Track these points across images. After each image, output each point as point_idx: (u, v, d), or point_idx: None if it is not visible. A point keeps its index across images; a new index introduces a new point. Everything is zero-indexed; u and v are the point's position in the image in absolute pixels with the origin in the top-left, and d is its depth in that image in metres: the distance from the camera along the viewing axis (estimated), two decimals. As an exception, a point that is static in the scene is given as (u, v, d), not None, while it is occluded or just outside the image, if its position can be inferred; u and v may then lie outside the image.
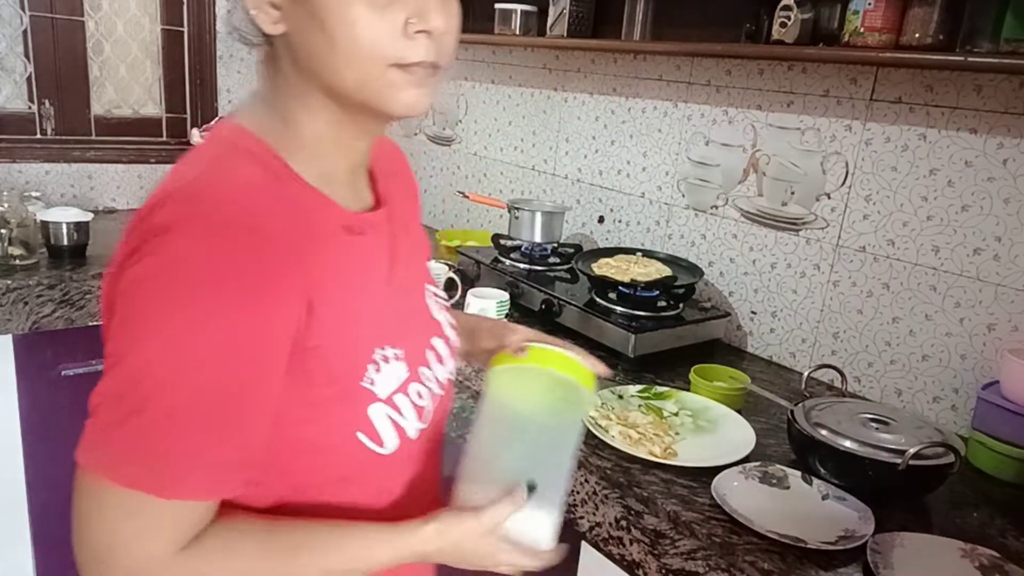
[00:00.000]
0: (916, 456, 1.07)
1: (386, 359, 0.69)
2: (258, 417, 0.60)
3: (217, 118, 0.68)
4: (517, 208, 1.90)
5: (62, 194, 2.31)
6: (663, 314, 1.59)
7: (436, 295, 0.82)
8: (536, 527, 0.74)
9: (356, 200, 0.72)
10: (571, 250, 1.92)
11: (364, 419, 0.67)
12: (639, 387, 1.41)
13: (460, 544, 0.71)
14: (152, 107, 2.50)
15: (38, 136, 2.29)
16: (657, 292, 1.61)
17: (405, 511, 0.72)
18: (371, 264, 0.71)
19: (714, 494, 1.09)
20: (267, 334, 0.58)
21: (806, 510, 1.09)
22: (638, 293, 1.60)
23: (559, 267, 1.87)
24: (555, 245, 1.92)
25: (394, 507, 0.74)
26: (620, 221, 1.97)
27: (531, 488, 0.73)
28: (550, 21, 1.89)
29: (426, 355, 0.75)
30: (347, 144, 0.69)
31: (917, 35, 1.26)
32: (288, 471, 0.66)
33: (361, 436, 0.67)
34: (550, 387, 0.76)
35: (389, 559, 0.68)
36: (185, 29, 2.47)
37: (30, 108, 2.27)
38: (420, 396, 0.72)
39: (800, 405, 1.24)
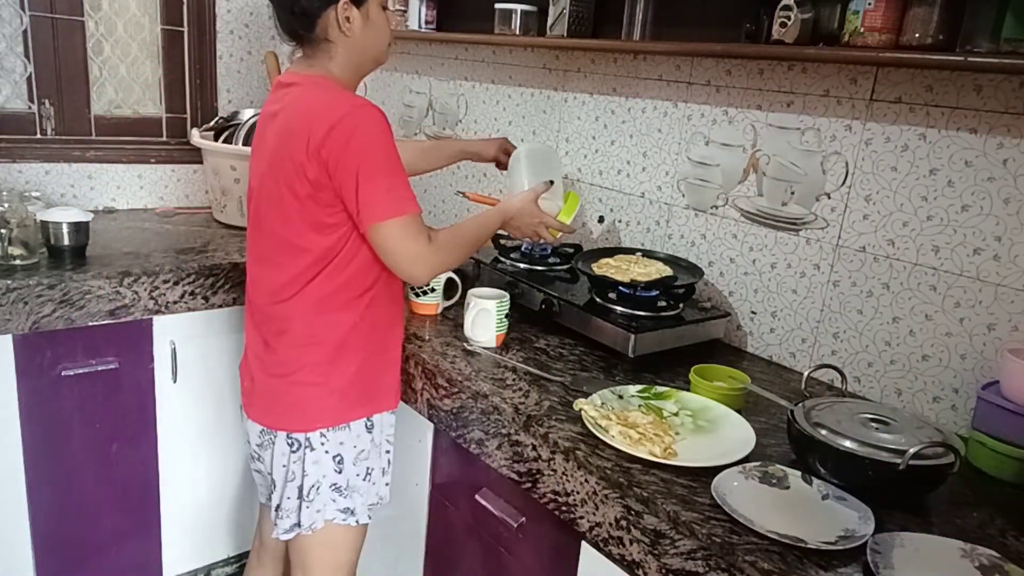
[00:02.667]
0: (916, 456, 1.07)
1: None
2: None
3: (284, 73, 1.46)
4: (517, 208, 1.90)
5: (62, 194, 2.31)
6: (663, 314, 1.59)
7: None
8: (552, 206, 1.64)
9: None
10: (571, 250, 1.92)
11: None
12: (639, 387, 1.41)
13: (522, 208, 1.56)
14: (152, 107, 2.50)
15: (38, 136, 2.29)
16: (657, 292, 1.61)
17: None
18: None
19: (714, 494, 1.09)
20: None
21: (806, 510, 1.09)
22: (638, 293, 1.60)
23: (559, 267, 1.87)
24: (555, 245, 1.92)
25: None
26: (620, 221, 1.97)
27: (550, 183, 1.63)
28: (550, 21, 1.89)
29: None
30: (355, 84, 1.45)
31: (917, 35, 1.26)
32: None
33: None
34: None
35: (497, 223, 1.53)
36: (185, 29, 2.47)
37: (30, 108, 2.27)
38: None
39: (800, 405, 1.24)
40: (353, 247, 1.35)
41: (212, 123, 2.45)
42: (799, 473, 1.16)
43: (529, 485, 1.31)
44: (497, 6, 1.98)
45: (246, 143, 2.26)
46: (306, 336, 1.39)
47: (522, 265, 1.86)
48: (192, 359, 2.02)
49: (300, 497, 1.44)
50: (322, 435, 1.42)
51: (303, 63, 1.40)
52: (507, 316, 1.60)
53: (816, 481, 1.14)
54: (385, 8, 1.40)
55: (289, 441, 1.42)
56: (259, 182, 1.41)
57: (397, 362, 1.52)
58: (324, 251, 1.34)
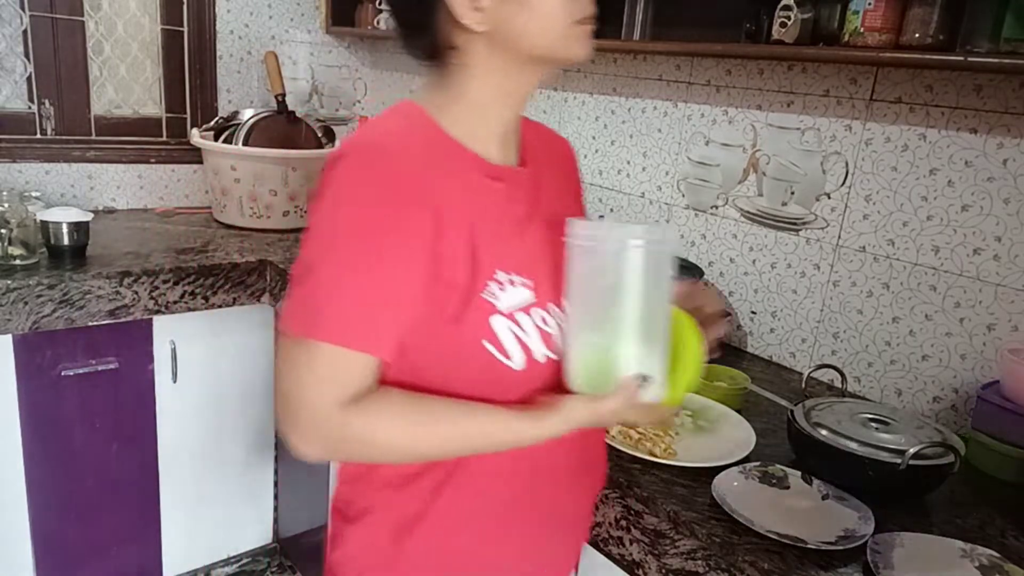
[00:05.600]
0: (916, 456, 1.07)
1: (512, 283, 0.81)
2: (399, 292, 0.76)
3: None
4: (517, 208, 1.90)
5: (62, 194, 2.31)
6: (663, 314, 1.59)
7: None
8: (648, 395, 0.82)
9: (502, 157, 0.88)
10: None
11: (487, 328, 0.79)
12: (639, 387, 1.41)
13: (580, 425, 0.82)
14: (152, 107, 2.50)
15: (38, 136, 2.29)
16: (657, 292, 1.61)
17: None
18: (506, 206, 0.85)
19: (714, 494, 1.09)
20: (401, 229, 0.75)
21: (806, 510, 1.09)
22: (638, 293, 1.60)
23: (559, 267, 1.87)
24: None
25: None
26: (620, 221, 1.97)
27: (644, 378, 0.80)
28: (550, 21, 1.89)
29: (560, 296, 0.86)
30: (499, 112, 0.86)
31: (917, 35, 1.26)
32: (426, 369, 0.81)
33: (487, 344, 0.79)
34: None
35: (514, 442, 0.81)
36: (185, 29, 2.47)
37: (30, 108, 2.27)
38: (546, 323, 0.83)
39: (800, 405, 1.24)
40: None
41: (212, 123, 2.44)
42: (799, 473, 1.16)
43: (529, 485, 1.31)
44: (497, 6, 1.98)
45: (246, 143, 2.26)
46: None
47: (522, 265, 1.86)
48: (192, 359, 2.02)
49: None
50: None
51: (432, 75, 0.88)
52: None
53: (816, 481, 1.14)
54: None
55: None
56: None
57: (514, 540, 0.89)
58: None
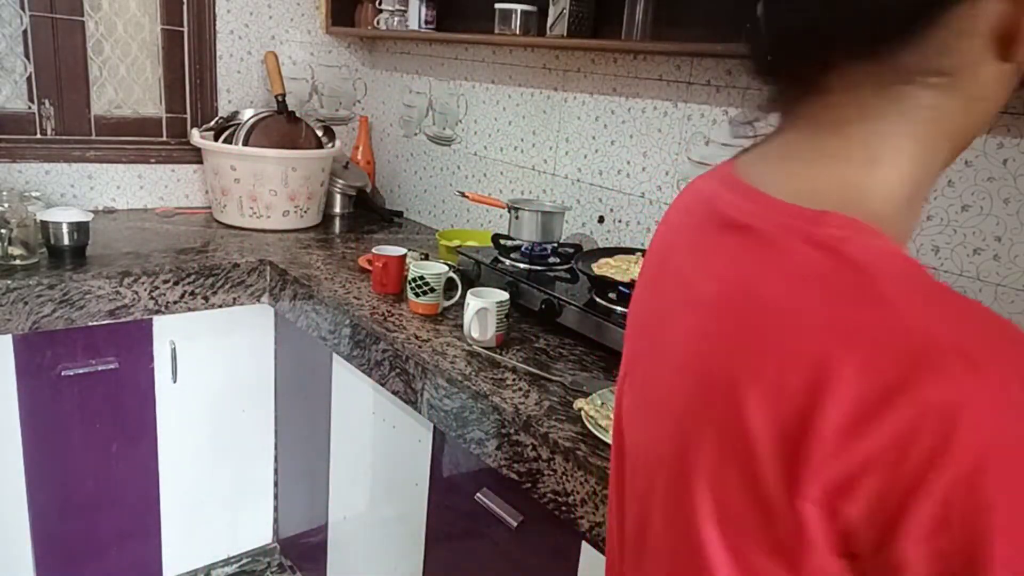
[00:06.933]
0: (916, 456, 1.07)
1: None
2: None
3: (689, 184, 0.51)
4: (517, 208, 1.90)
5: (62, 194, 2.31)
6: (663, 314, 1.59)
7: None
8: None
9: None
10: (571, 250, 1.92)
11: None
12: (639, 387, 1.41)
13: None
14: (152, 107, 2.50)
15: (38, 136, 2.29)
16: (657, 292, 1.61)
17: None
18: None
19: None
20: None
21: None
22: (638, 293, 1.60)
23: (559, 267, 1.87)
24: (555, 245, 1.92)
25: None
26: (620, 221, 1.97)
27: None
28: (550, 21, 1.89)
29: None
30: (918, 216, 0.54)
31: (917, 35, 1.26)
32: None
33: None
34: None
35: None
36: (185, 29, 2.47)
37: (30, 108, 2.27)
38: None
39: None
40: None
41: (212, 123, 2.45)
42: (799, 473, 1.16)
43: (529, 485, 1.31)
44: (497, 6, 1.98)
45: (246, 143, 2.27)
46: None
47: (522, 265, 1.86)
48: (192, 359, 2.02)
49: None
50: None
51: (794, 135, 0.59)
52: (507, 316, 1.60)
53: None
54: None
55: None
56: (636, 414, 0.65)
57: None
58: None
